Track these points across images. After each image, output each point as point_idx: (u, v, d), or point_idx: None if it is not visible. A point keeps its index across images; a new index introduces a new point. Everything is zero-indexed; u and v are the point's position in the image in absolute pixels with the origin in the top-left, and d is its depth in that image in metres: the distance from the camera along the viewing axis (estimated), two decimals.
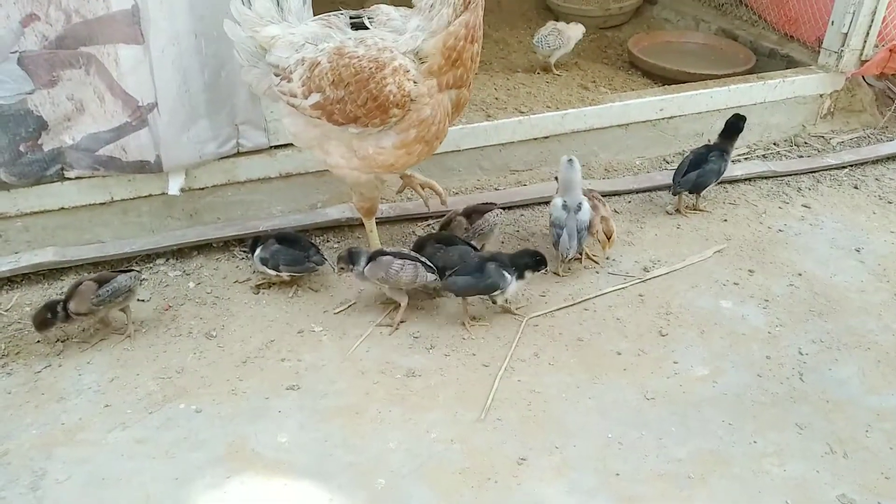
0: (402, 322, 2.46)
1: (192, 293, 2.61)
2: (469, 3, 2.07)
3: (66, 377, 2.27)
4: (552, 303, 2.57)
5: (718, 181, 3.00)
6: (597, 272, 2.72)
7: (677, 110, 3.35)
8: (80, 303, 2.30)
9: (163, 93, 2.53)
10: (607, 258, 2.78)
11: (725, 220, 3.03)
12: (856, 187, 3.26)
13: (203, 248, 2.78)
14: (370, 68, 2.10)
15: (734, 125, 3.02)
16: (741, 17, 4.17)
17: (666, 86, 3.58)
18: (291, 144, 2.86)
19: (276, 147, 2.87)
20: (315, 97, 2.16)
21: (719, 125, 3.42)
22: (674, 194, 3.00)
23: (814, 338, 2.44)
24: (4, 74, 2.41)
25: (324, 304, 2.58)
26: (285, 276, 2.57)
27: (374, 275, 2.40)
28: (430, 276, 2.41)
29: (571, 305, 2.57)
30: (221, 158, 2.77)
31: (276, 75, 2.20)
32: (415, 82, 2.12)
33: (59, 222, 2.73)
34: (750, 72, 3.67)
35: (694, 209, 3.05)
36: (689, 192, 2.97)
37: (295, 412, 2.16)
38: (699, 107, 3.37)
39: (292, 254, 2.54)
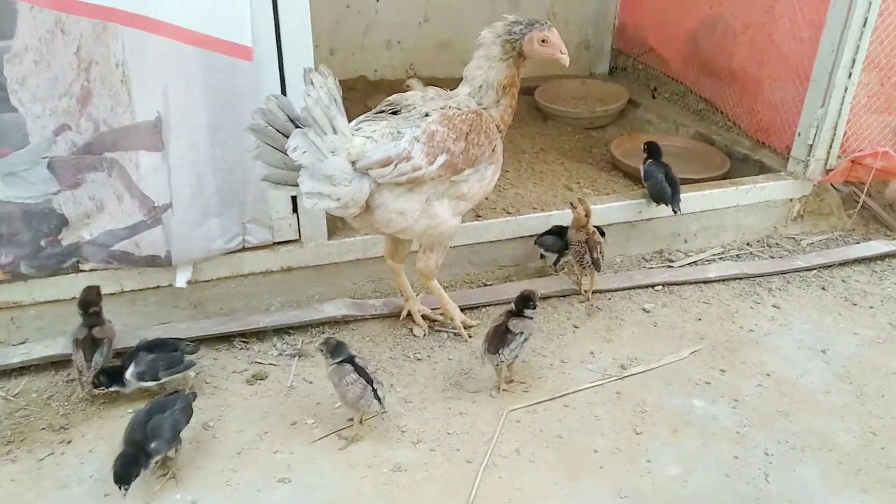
0: (355, 438, 2.50)
1: (192, 382, 2.75)
2: (507, 90, 2.69)
3: (69, 465, 2.39)
4: (533, 397, 2.72)
5: None
6: (576, 368, 2.88)
7: (655, 213, 3.58)
8: None
9: (178, 194, 2.75)
10: (591, 353, 2.94)
11: (700, 319, 3.21)
12: (823, 288, 3.46)
13: (204, 339, 2.93)
14: (475, 116, 2.64)
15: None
16: (717, 122, 4.47)
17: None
18: (293, 241, 3.08)
19: (279, 243, 3.07)
20: (441, 158, 2.57)
21: (696, 226, 3.68)
22: (675, 211, 3.41)
23: (779, 438, 2.58)
24: (34, 177, 2.63)
25: (318, 396, 2.71)
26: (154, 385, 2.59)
27: (332, 376, 2.50)
28: (375, 405, 2.43)
29: (551, 400, 2.71)
30: (228, 253, 2.97)
31: (384, 166, 2.49)
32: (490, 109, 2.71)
33: (70, 311, 2.87)
34: (725, 176, 3.92)
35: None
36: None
37: None
38: None
39: (168, 357, 2.59)
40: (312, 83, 2.36)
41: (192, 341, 2.73)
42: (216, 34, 2.60)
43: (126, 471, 2.18)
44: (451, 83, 5.35)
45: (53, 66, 2.54)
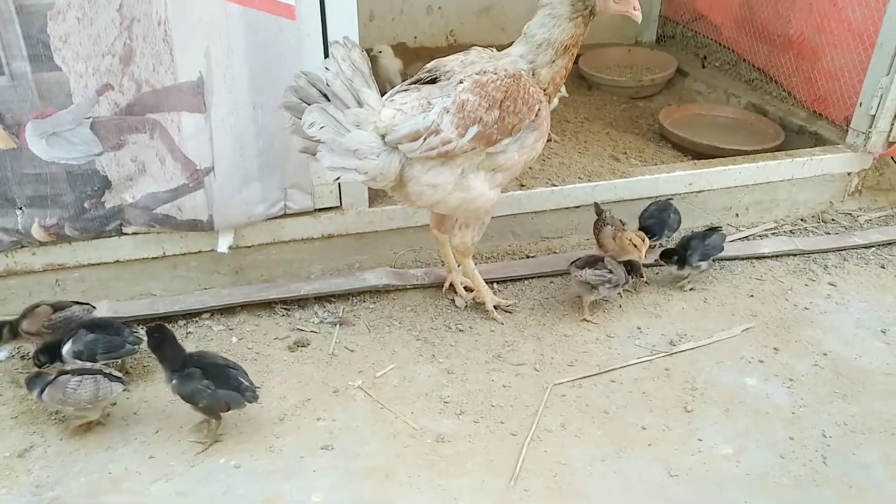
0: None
1: (234, 348, 2.73)
2: (567, 51, 2.53)
3: (114, 427, 2.39)
4: (579, 371, 2.65)
5: None
6: (623, 343, 2.80)
7: (707, 184, 3.45)
8: (33, 323, 2.49)
9: (220, 158, 2.70)
10: (638, 328, 2.86)
11: (752, 296, 3.09)
12: (883, 267, 3.31)
13: (246, 305, 2.91)
14: (513, 81, 2.46)
15: None
16: (771, 92, 4.28)
17: (696, 160, 3.70)
18: (334, 207, 3.03)
19: (320, 210, 3.02)
20: (473, 130, 2.42)
21: (748, 200, 3.54)
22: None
23: (837, 420, 2.47)
24: (78, 138, 2.61)
25: (359, 364, 2.68)
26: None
27: (53, 399, 2.25)
28: (116, 387, 2.30)
29: (597, 375, 2.64)
30: (269, 219, 2.93)
31: (413, 140, 2.40)
32: (537, 73, 2.55)
33: (113, 274, 2.89)
34: (779, 148, 3.76)
35: None
36: None
37: (328, 472, 2.25)
38: (728, 182, 3.47)
39: (109, 340, 2.47)
40: (333, 56, 2.34)
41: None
42: None
43: None
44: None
45: (96, 24, 2.49)
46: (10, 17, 2.42)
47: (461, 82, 2.45)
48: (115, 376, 2.33)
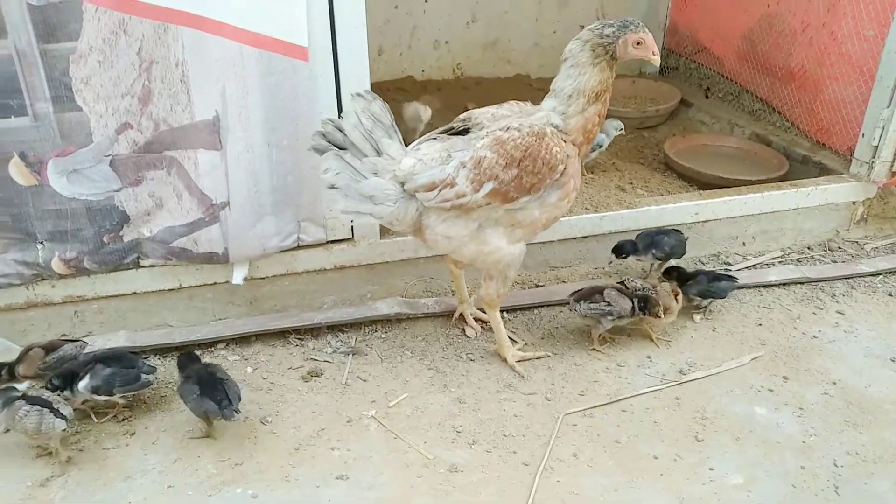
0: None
1: (249, 378, 2.77)
2: (599, 97, 2.49)
3: (133, 456, 2.43)
4: (590, 400, 2.67)
5: None
6: (633, 372, 2.82)
7: (712, 214, 3.50)
8: (29, 367, 2.55)
9: (235, 193, 2.78)
10: (647, 357, 2.88)
11: (760, 325, 3.12)
12: (890, 294, 3.33)
13: (260, 335, 2.96)
14: (535, 140, 2.44)
15: None
16: (774, 123, 4.35)
17: (701, 189, 3.75)
18: (346, 239, 3.09)
19: (332, 242, 3.08)
20: (488, 186, 2.44)
21: (754, 229, 3.58)
22: None
23: (849, 449, 2.48)
24: (98, 175, 2.69)
25: (372, 394, 2.71)
26: (119, 400, 2.54)
27: (5, 420, 2.32)
28: (58, 424, 2.30)
29: (608, 404, 2.66)
30: (282, 251, 2.99)
31: (429, 190, 2.47)
32: (564, 141, 2.50)
33: (130, 305, 2.95)
34: (783, 178, 3.81)
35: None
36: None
37: (343, 502, 2.27)
38: (733, 212, 3.52)
39: (126, 374, 2.49)
40: (354, 108, 2.46)
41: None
42: (273, 34, 2.64)
43: None
44: (498, 83, 5.40)
45: (116, 66, 2.58)
46: (35, 60, 2.52)
47: (483, 137, 2.48)
48: (61, 413, 2.32)
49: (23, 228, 2.72)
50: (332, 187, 2.51)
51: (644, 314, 2.86)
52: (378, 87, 2.69)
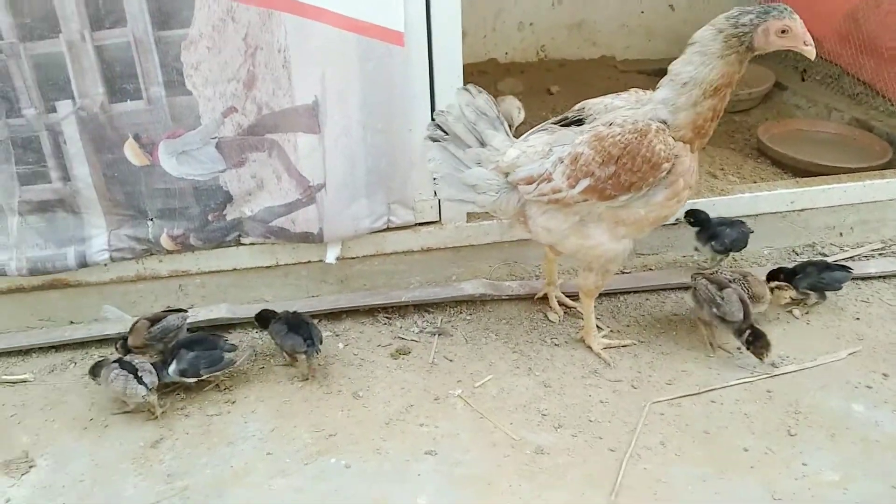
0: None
1: (341, 353, 2.89)
2: (718, 91, 2.33)
3: (235, 423, 2.58)
4: (678, 390, 2.65)
5: None
6: (723, 363, 2.78)
7: (809, 203, 3.37)
8: (136, 338, 2.70)
9: (331, 175, 2.87)
10: (738, 348, 2.82)
11: (858, 319, 3.00)
12: None
13: (351, 312, 3.07)
14: (636, 137, 2.37)
15: None
16: (877, 107, 4.13)
17: (797, 177, 3.62)
18: (434, 222, 3.15)
19: (421, 224, 3.15)
20: (584, 182, 2.42)
21: (853, 219, 3.44)
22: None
23: None
24: (205, 156, 2.83)
25: (458, 374, 2.78)
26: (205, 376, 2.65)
27: (102, 380, 2.58)
28: (140, 390, 2.49)
29: (697, 394, 2.64)
30: (373, 233, 3.08)
31: (528, 184, 2.50)
32: (673, 138, 2.39)
33: (230, 281, 3.11)
34: (886, 166, 3.63)
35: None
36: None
37: (432, 476, 2.35)
38: (832, 201, 3.38)
39: (210, 355, 2.62)
40: (458, 101, 2.53)
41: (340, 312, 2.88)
42: (371, 20, 2.70)
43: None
44: (582, 65, 5.33)
45: (224, 52, 2.70)
46: (150, 47, 2.67)
47: (585, 132, 2.46)
48: (143, 381, 2.50)
49: (135, 206, 2.90)
50: (435, 176, 2.59)
51: (748, 348, 2.68)
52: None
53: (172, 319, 2.78)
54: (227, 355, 2.66)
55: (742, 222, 3.18)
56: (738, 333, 2.69)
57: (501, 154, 2.53)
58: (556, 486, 2.30)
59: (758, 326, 2.70)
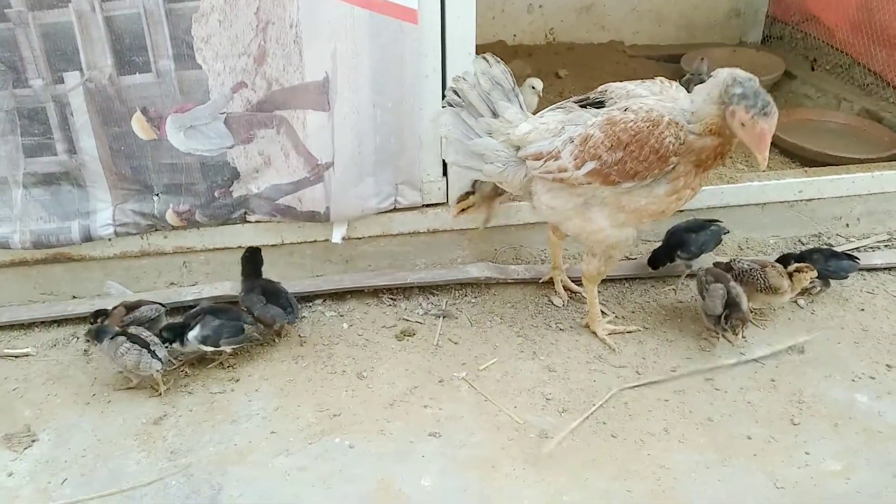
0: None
1: (345, 333, 2.88)
2: (713, 133, 2.31)
3: (238, 402, 2.58)
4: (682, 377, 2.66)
5: None
6: (727, 351, 2.78)
7: (817, 193, 3.36)
8: (113, 321, 2.67)
9: (339, 153, 2.85)
10: (742, 337, 2.82)
11: (862, 310, 3.00)
12: None
13: (356, 292, 3.06)
14: (647, 126, 2.34)
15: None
16: (887, 98, 4.10)
17: (805, 167, 3.60)
18: (441, 204, 3.13)
19: (428, 206, 3.13)
20: (590, 165, 2.41)
21: (860, 210, 3.42)
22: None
23: None
24: (213, 132, 2.80)
25: (462, 356, 2.78)
26: (227, 349, 2.66)
27: (107, 353, 2.55)
28: (154, 364, 2.48)
29: (702, 382, 2.64)
30: (379, 213, 3.06)
31: (536, 160, 2.49)
32: (688, 132, 2.34)
33: (234, 258, 3.07)
34: (894, 157, 3.61)
35: None
36: None
37: (436, 458, 2.35)
38: (840, 191, 3.37)
39: (234, 326, 2.63)
40: (474, 69, 2.52)
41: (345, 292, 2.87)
42: None
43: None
44: (590, 49, 5.27)
45: (235, 26, 2.67)
46: (160, 19, 2.63)
47: (599, 115, 2.43)
48: (157, 356, 2.50)
49: (141, 180, 2.88)
50: (446, 140, 2.61)
51: (726, 326, 2.70)
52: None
53: (146, 310, 2.73)
54: (248, 328, 2.66)
55: (712, 221, 3.09)
56: (716, 322, 2.71)
57: (514, 127, 2.51)
58: (559, 470, 2.30)
59: (741, 315, 2.68)
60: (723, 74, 2.30)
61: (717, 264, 2.91)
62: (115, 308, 2.74)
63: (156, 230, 2.99)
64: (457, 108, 2.56)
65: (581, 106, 2.57)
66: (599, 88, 2.61)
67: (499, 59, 2.56)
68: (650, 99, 2.46)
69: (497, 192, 2.91)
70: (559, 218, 2.61)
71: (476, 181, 2.93)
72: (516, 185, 2.60)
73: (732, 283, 2.75)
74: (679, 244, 3.05)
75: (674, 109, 2.38)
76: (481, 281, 3.11)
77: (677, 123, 2.35)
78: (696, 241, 3.03)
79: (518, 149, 2.53)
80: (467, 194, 2.98)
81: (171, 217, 2.93)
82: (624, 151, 2.37)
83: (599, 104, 2.54)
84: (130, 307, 2.75)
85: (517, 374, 2.69)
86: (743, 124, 2.21)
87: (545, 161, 2.47)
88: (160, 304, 2.81)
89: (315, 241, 3.08)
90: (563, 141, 2.45)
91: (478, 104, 2.56)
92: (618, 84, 2.58)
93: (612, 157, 2.39)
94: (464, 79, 2.58)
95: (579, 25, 5.19)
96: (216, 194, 2.91)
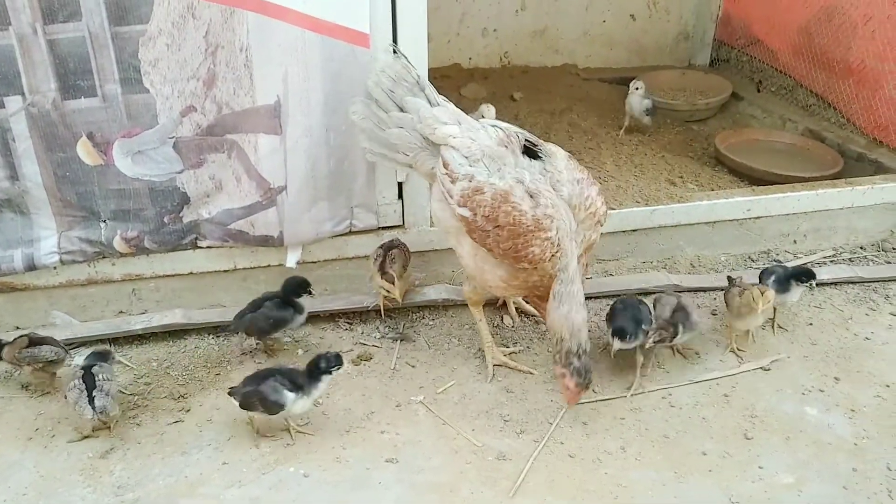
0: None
1: (301, 360, 2.83)
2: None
3: (189, 432, 2.50)
4: (637, 395, 2.67)
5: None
6: (681, 367, 2.81)
7: (764, 211, 3.45)
8: (9, 352, 2.60)
9: (292, 177, 2.82)
10: (696, 353, 2.85)
11: (811, 324, 3.08)
12: None
13: (311, 317, 3.00)
14: (528, 227, 2.35)
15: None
16: (829, 119, 4.26)
17: (753, 185, 3.70)
18: (397, 226, 3.13)
19: (383, 228, 3.12)
20: (466, 211, 2.44)
21: (806, 227, 3.53)
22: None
23: None
24: (161, 156, 2.76)
25: (420, 380, 2.75)
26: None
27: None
28: (87, 412, 2.35)
29: (657, 399, 2.66)
30: (335, 236, 3.03)
31: (443, 165, 2.50)
32: (559, 256, 2.39)
33: (185, 285, 3.03)
34: (837, 175, 3.74)
35: None
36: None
37: (394, 484, 2.31)
38: (786, 209, 3.47)
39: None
40: (375, 68, 2.62)
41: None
42: (336, 20, 2.68)
43: None
44: (544, 72, 5.36)
45: (183, 50, 2.64)
46: (106, 42, 2.59)
47: (534, 172, 2.43)
48: (93, 404, 2.35)
49: (87, 207, 2.81)
50: (358, 128, 2.69)
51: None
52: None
53: (46, 350, 2.59)
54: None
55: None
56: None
57: (439, 122, 2.52)
58: (519, 492, 2.29)
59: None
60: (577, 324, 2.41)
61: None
62: (16, 339, 2.62)
63: (103, 257, 2.91)
64: (368, 100, 2.65)
65: (525, 148, 2.50)
66: (537, 141, 2.54)
67: (400, 54, 2.63)
68: (563, 192, 2.43)
69: (404, 266, 2.95)
70: (440, 228, 2.68)
71: (385, 258, 2.91)
72: (424, 172, 2.66)
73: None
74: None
75: (569, 230, 2.40)
76: (438, 303, 3.10)
77: (554, 244, 2.35)
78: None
79: (435, 143, 2.55)
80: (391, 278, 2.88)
81: (118, 244, 2.86)
82: (493, 229, 2.40)
83: (536, 156, 2.49)
84: (34, 342, 2.60)
85: (475, 397, 2.68)
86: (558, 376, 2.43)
87: (446, 175, 2.50)
88: (64, 348, 2.64)
89: (269, 265, 3.04)
90: (465, 174, 2.45)
91: (384, 101, 2.62)
92: (547, 145, 2.54)
93: (482, 222, 2.41)
94: (369, 77, 2.64)
95: (533, 49, 5.28)
96: (165, 220, 2.86)
